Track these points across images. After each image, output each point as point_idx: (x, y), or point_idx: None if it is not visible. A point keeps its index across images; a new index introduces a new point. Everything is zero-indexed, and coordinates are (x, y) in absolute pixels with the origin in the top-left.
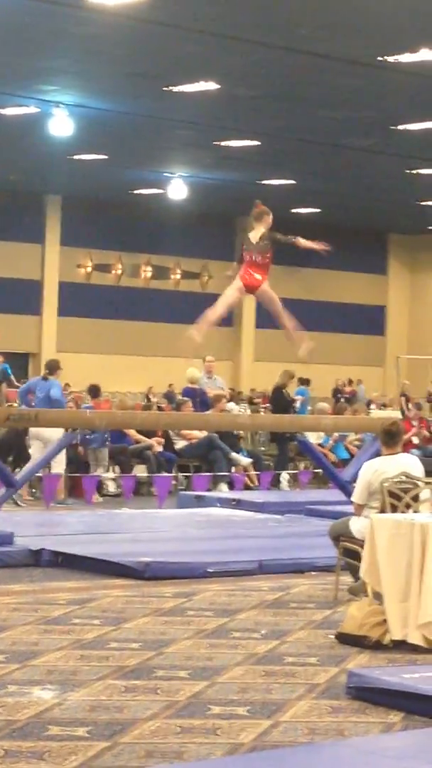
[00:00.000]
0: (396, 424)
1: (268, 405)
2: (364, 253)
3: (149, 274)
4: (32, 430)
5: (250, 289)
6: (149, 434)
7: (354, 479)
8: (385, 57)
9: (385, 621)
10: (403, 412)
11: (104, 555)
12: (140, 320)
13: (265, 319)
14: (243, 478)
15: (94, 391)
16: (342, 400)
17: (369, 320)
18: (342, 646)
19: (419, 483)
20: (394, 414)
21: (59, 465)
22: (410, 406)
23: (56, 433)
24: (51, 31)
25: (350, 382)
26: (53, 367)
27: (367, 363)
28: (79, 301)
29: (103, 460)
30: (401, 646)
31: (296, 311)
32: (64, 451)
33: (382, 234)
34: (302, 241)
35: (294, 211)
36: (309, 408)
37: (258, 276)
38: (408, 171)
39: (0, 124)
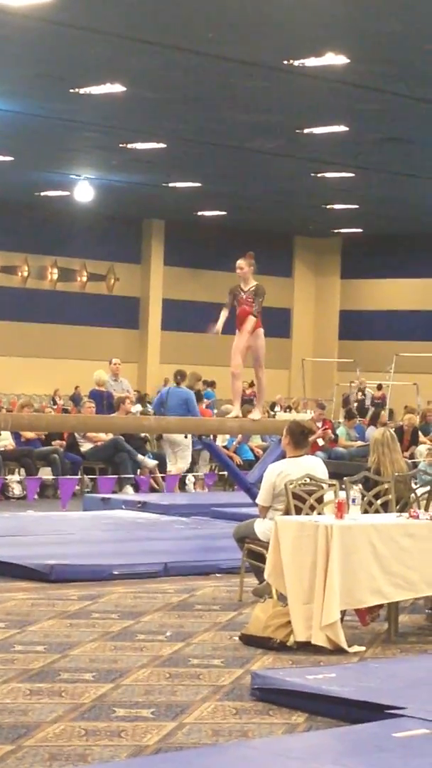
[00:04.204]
0: (305, 425)
1: None
2: (269, 256)
3: (55, 276)
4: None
5: (243, 317)
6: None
7: (259, 481)
8: (291, 61)
9: (289, 623)
10: (363, 408)
11: (9, 557)
12: (46, 322)
13: (171, 321)
14: (148, 481)
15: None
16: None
17: (275, 323)
18: (246, 647)
19: (323, 485)
20: (301, 416)
21: (183, 464)
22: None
23: (181, 437)
24: None
25: (251, 384)
26: (185, 375)
27: (272, 365)
28: None
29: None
30: (305, 647)
31: (201, 314)
32: (189, 452)
33: (287, 237)
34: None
35: (200, 213)
36: (215, 410)
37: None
38: (313, 174)
39: None
